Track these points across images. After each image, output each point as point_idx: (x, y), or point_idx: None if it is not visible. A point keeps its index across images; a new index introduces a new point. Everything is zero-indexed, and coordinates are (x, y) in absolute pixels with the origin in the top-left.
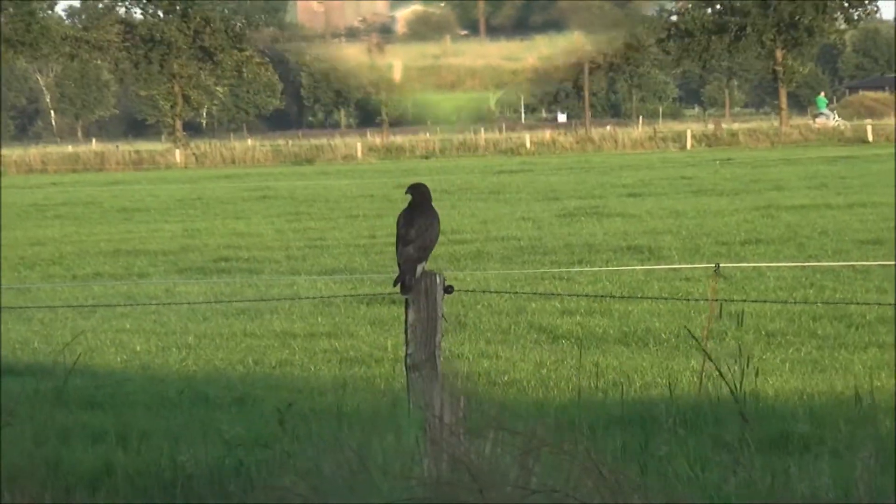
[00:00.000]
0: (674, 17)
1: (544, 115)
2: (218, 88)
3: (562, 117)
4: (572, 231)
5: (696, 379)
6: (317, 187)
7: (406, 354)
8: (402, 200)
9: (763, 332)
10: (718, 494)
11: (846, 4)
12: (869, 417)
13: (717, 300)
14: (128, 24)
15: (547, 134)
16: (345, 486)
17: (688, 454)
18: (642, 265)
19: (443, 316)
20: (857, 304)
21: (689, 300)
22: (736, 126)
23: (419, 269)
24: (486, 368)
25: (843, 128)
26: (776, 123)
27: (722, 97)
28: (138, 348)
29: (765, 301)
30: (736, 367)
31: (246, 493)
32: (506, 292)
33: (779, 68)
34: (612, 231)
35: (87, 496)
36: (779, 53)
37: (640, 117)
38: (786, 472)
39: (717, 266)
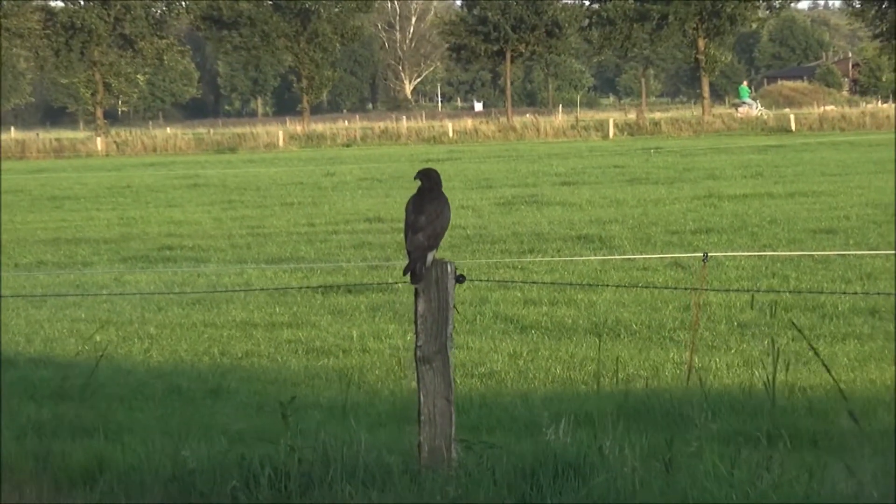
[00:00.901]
0: (595, 6)
1: (460, 104)
2: (139, 76)
3: (478, 106)
4: (515, 220)
5: (678, 371)
6: (246, 175)
7: (416, 346)
8: (332, 188)
9: (735, 324)
10: (753, 492)
11: None
12: (870, 412)
13: (700, 289)
14: (48, 12)
15: (468, 122)
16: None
17: (713, 450)
18: (595, 254)
19: (454, 307)
20: (851, 294)
21: (678, 289)
22: (658, 115)
23: (429, 257)
24: (460, 360)
25: (765, 117)
26: (696, 112)
27: (637, 86)
28: (98, 339)
29: (747, 291)
30: (767, 359)
31: (250, 488)
32: (527, 283)
33: (701, 57)
34: (555, 220)
35: (82, 493)
36: (701, 42)
37: (560, 106)
38: (823, 470)
39: (706, 255)
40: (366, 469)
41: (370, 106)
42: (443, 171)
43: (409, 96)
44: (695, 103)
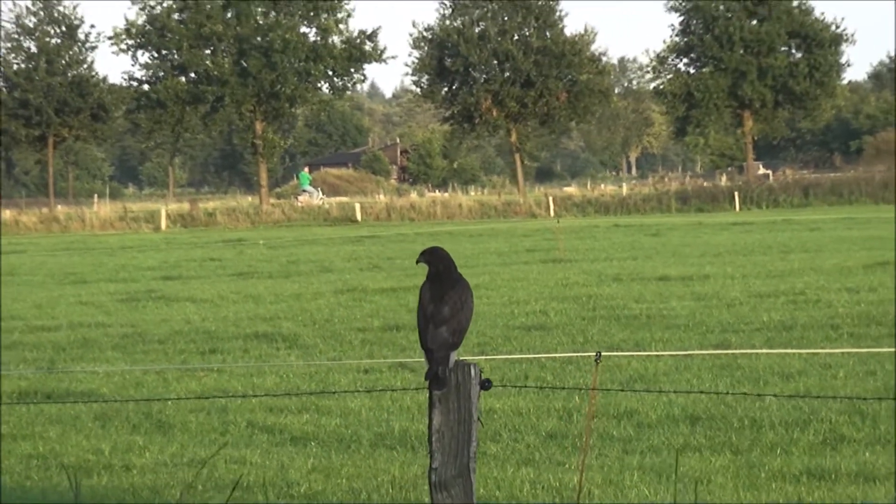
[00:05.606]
0: (145, 87)
1: None
2: None
3: None
4: (156, 317)
5: (537, 489)
6: None
7: (430, 469)
8: None
9: (544, 433)
10: None
11: (331, 73)
12: None
13: (596, 389)
14: None
15: (7, 213)
16: None
17: None
18: (280, 353)
19: (479, 419)
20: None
21: (573, 389)
22: (211, 205)
23: (453, 357)
24: (261, 478)
25: (327, 206)
26: (240, 202)
27: (161, 175)
28: None
29: (650, 391)
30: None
31: None
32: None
33: (259, 142)
34: (204, 317)
35: None
36: (259, 125)
37: (97, 196)
38: None
39: (598, 354)
40: None
41: None
42: (19, 264)
43: None
44: (225, 193)
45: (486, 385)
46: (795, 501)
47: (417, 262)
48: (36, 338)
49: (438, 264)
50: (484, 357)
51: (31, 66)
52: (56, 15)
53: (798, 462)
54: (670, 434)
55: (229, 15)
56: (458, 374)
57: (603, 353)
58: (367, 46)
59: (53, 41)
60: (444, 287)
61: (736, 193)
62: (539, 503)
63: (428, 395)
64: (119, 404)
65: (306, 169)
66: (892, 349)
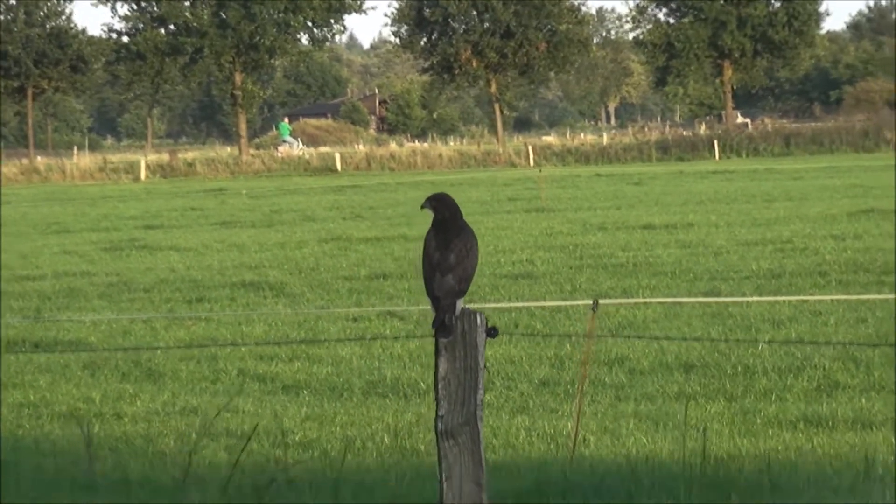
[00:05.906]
0: (124, 38)
1: None
2: None
3: None
4: (141, 265)
5: (533, 437)
6: None
7: (437, 417)
8: None
9: (536, 381)
10: None
11: (311, 24)
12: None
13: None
14: None
15: None
16: None
17: None
18: (267, 301)
19: (485, 366)
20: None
21: (568, 336)
22: (191, 155)
23: (459, 305)
24: (265, 427)
25: (307, 156)
26: (220, 152)
27: (140, 127)
28: None
29: (657, 338)
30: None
31: None
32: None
33: (238, 92)
34: (189, 265)
35: None
36: (238, 77)
37: (76, 147)
38: None
39: (595, 302)
40: None
41: None
42: (3, 215)
43: None
44: (204, 144)
45: (492, 333)
46: (794, 447)
47: (422, 207)
48: (21, 287)
49: (445, 211)
50: (473, 306)
51: (9, 17)
52: None
53: (794, 408)
54: (664, 381)
55: None
56: (464, 322)
57: (600, 302)
58: None
59: None
60: (449, 235)
61: (715, 142)
62: (536, 451)
63: (434, 342)
64: (108, 353)
65: (286, 119)
66: (882, 296)
